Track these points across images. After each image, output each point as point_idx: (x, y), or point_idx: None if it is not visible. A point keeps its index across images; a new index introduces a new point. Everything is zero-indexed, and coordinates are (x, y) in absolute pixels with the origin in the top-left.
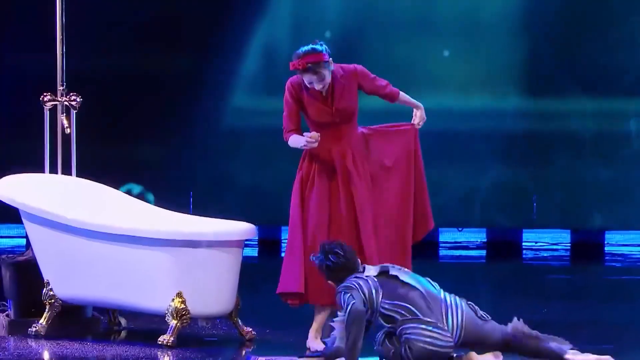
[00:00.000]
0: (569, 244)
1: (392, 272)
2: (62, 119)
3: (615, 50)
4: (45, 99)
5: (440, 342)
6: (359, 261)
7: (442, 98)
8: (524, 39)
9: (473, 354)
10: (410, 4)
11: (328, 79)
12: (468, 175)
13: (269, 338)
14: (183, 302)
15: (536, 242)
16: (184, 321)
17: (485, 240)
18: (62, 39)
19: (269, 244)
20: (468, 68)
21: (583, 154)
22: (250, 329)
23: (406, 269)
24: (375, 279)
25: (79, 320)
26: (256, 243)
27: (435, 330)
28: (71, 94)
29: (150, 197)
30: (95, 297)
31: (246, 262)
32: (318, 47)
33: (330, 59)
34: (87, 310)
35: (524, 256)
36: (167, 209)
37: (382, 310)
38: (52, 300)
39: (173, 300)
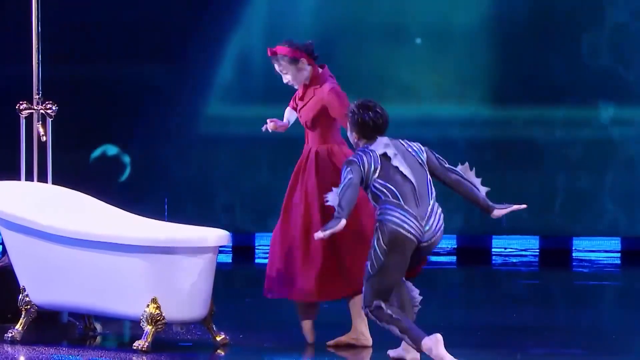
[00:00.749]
0: (538, 250)
1: (394, 162)
2: (38, 126)
3: (582, 59)
4: (21, 107)
5: (413, 230)
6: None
7: (413, 106)
8: (493, 47)
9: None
10: (383, 13)
11: (292, 76)
12: (438, 182)
13: (243, 343)
14: (158, 307)
15: (505, 249)
16: (159, 327)
17: (455, 246)
18: (38, 47)
19: (243, 250)
20: (439, 76)
21: (550, 161)
22: (224, 335)
23: (411, 157)
24: (379, 157)
25: (54, 325)
26: (230, 249)
27: (410, 218)
28: (47, 102)
29: (127, 158)
30: (71, 302)
31: (220, 268)
32: (293, 42)
33: (304, 60)
34: (62, 315)
35: (493, 262)
36: (142, 215)
37: (373, 187)
38: (28, 306)
39: (148, 305)
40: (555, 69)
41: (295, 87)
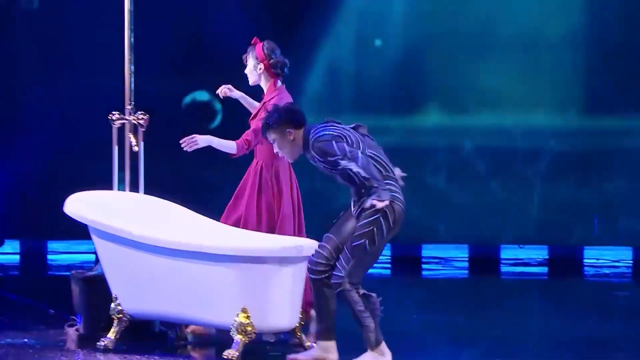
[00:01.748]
0: (631, 262)
1: (362, 130)
2: (130, 137)
3: None
4: (113, 117)
5: (402, 202)
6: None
7: (502, 116)
8: (584, 57)
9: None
10: (473, 23)
11: (249, 71)
12: (528, 193)
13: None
14: (248, 317)
15: (598, 260)
16: (249, 336)
17: (547, 257)
18: (130, 58)
19: None
20: (528, 86)
21: None
22: (314, 344)
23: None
24: (350, 128)
25: (146, 334)
26: None
27: (399, 190)
28: (139, 112)
29: (218, 105)
30: (162, 311)
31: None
32: (273, 48)
33: (262, 66)
34: (154, 324)
35: (585, 273)
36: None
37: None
38: (120, 315)
39: (238, 315)
40: None
41: (249, 83)
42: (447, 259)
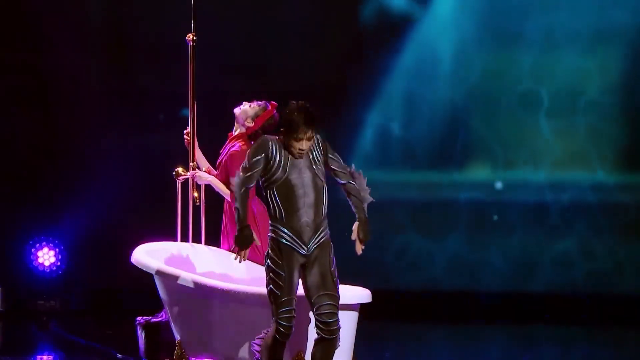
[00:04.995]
0: None
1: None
2: (194, 193)
3: None
4: (178, 173)
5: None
6: None
7: (542, 170)
8: (620, 116)
9: None
10: (515, 82)
11: (246, 115)
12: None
13: None
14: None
15: None
16: None
17: None
18: (193, 117)
19: None
20: (566, 144)
21: None
22: None
23: None
24: None
25: None
26: None
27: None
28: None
29: None
30: (223, 355)
31: None
32: (264, 104)
33: (250, 120)
34: None
35: None
36: None
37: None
38: (182, 359)
39: (293, 358)
40: None
41: (237, 119)
42: None
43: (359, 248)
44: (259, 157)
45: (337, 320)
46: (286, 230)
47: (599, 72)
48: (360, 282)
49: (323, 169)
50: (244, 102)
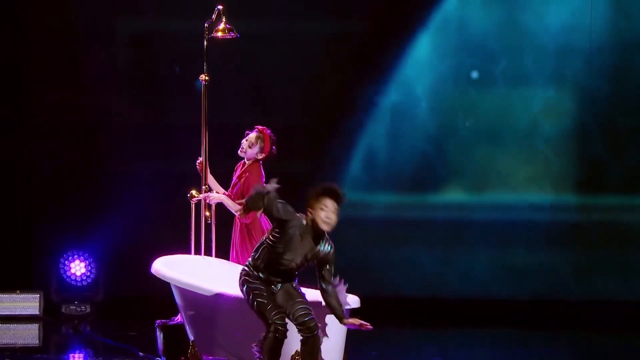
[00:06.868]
0: None
1: None
2: (205, 212)
3: None
4: (192, 195)
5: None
6: None
7: (508, 193)
8: (574, 148)
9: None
10: (481, 120)
11: (251, 151)
12: None
13: None
14: None
15: None
16: None
17: None
18: (206, 147)
19: None
20: (530, 170)
21: None
22: None
23: None
24: None
25: None
26: None
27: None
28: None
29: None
30: (231, 354)
31: None
32: (272, 136)
33: (265, 153)
34: None
35: None
36: None
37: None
38: (195, 357)
39: (292, 356)
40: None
41: (244, 155)
42: None
43: (366, 325)
44: (285, 215)
45: (313, 317)
46: (262, 275)
47: (556, 108)
48: (351, 290)
49: (310, 264)
50: (242, 144)
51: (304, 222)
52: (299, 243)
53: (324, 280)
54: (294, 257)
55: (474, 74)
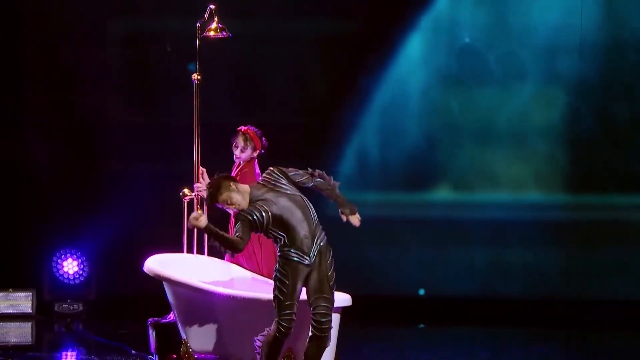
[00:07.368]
0: None
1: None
2: (197, 209)
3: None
4: (184, 194)
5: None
6: None
7: (498, 192)
8: (563, 145)
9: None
10: (472, 119)
11: (245, 154)
12: None
13: None
14: (290, 357)
15: None
16: None
17: None
18: (198, 144)
19: None
20: (520, 169)
21: None
22: None
23: None
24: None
25: None
26: None
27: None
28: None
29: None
30: (224, 351)
31: None
32: (258, 131)
33: (259, 151)
34: None
35: None
36: None
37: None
38: (187, 355)
39: (284, 354)
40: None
41: (240, 159)
42: None
43: (356, 221)
44: (260, 222)
45: (330, 320)
46: (293, 250)
47: (548, 107)
48: (343, 288)
49: (293, 187)
50: (234, 152)
51: (255, 191)
52: (277, 198)
53: (305, 182)
54: (277, 202)
55: (466, 73)
